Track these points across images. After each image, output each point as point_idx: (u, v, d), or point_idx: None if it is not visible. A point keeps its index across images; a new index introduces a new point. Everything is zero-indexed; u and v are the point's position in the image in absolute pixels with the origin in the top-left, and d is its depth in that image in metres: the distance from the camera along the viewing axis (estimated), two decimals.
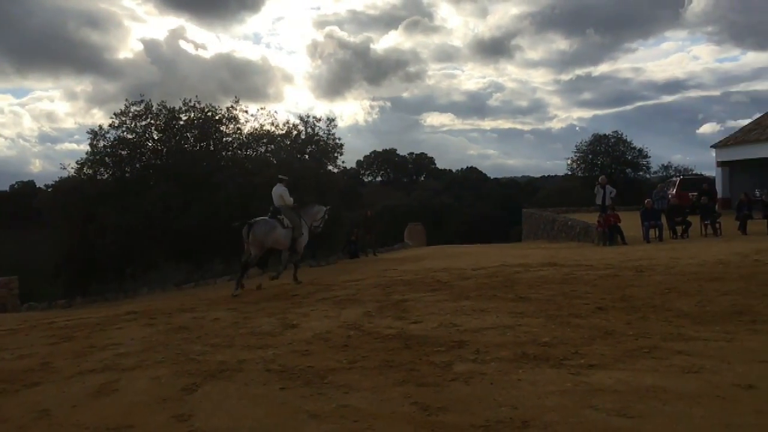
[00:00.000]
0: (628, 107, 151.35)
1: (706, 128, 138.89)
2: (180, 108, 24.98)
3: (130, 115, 24.37)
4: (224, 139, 25.82)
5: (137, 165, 24.80)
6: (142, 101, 24.48)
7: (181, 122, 24.97)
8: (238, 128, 26.11)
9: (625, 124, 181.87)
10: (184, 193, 22.71)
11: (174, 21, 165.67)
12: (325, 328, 6.69)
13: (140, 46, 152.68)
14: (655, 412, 3.69)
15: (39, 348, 6.57)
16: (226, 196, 22.28)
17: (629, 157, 51.25)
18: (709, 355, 4.89)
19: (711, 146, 30.69)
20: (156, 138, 25.05)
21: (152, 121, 24.67)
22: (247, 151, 26.62)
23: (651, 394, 4.01)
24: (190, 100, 25.20)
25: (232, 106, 26.01)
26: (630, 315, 6.61)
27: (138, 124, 24.50)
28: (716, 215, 18.72)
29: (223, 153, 25.79)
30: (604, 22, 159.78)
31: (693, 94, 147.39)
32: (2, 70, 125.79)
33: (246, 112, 26.55)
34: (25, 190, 67.61)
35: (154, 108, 24.59)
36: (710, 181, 27.54)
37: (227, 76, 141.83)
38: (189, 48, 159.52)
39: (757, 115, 31.37)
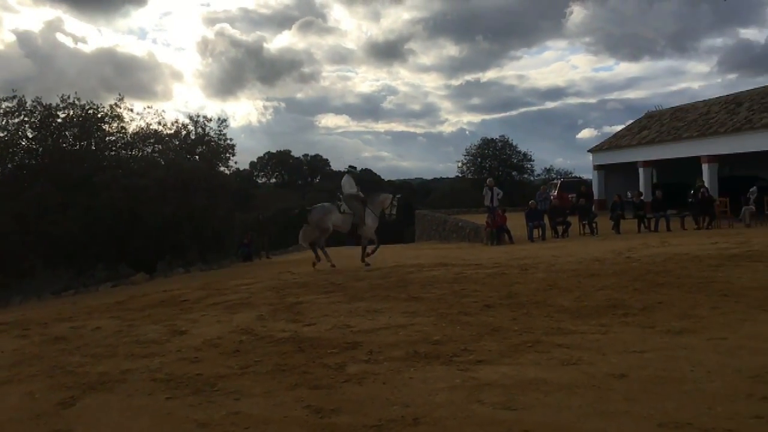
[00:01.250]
0: (514, 113, 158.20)
1: (585, 133, 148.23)
2: (57, 105, 23.46)
3: (1, 111, 22.63)
4: (107, 138, 24.52)
5: (9, 165, 23.07)
6: (14, 97, 22.77)
7: (59, 120, 23.45)
8: (123, 127, 24.89)
9: (511, 128, 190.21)
10: (62, 195, 21.34)
11: (50, 12, 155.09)
12: (215, 334, 6.51)
13: (12, 38, 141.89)
14: (537, 404, 3.88)
15: None
16: (109, 198, 21.15)
17: (515, 161, 53.84)
18: (586, 347, 5.20)
19: (588, 150, 32.70)
20: (30, 136, 23.39)
21: (26, 119, 23.00)
22: (132, 151, 25.43)
23: (533, 386, 4.20)
24: (68, 97, 23.73)
25: (115, 104, 24.78)
26: (515, 311, 6.91)
27: (10, 121, 22.77)
28: (593, 215, 20.03)
29: (106, 153, 24.49)
30: (491, 30, 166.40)
31: (572, 101, 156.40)
32: None
33: (131, 110, 25.39)
34: None
35: (28, 104, 22.94)
36: (588, 183, 29.40)
37: (110, 72, 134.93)
38: (68, 41, 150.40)
39: (629, 122, 33.83)
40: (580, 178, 35.78)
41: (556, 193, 27.41)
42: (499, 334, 5.84)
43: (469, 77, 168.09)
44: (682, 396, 3.86)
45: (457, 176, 57.87)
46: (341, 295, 8.82)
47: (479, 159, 53.64)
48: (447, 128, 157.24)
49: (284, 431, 3.68)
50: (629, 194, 23.58)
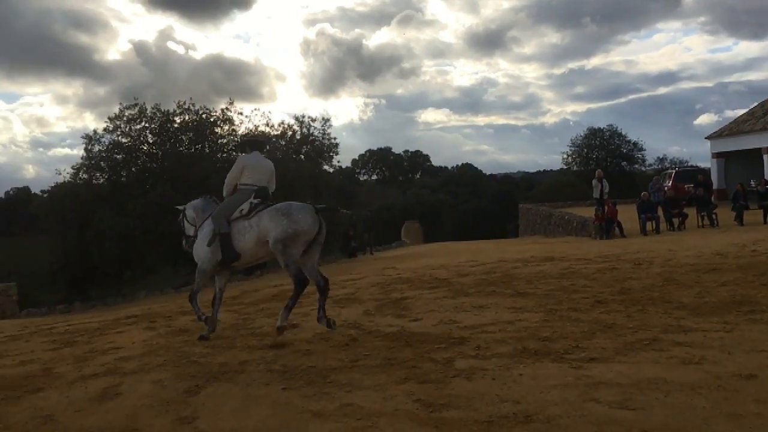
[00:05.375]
0: (622, 100, 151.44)
1: (704, 119, 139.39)
2: (174, 110, 24.98)
3: (125, 119, 24.37)
4: (219, 140, 25.80)
5: (133, 169, 24.78)
6: (136, 105, 24.48)
7: (176, 125, 24.95)
8: (233, 130, 26.10)
9: (619, 117, 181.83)
10: (180, 196, 22.65)
11: (162, 20, 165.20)
12: (325, 328, 6.69)
13: (129, 47, 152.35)
14: (657, 404, 3.71)
15: (40, 354, 6.55)
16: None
17: (624, 150, 51.56)
18: (710, 345, 4.91)
19: (706, 137, 30.79)
20: (151, 141, 25.04)
21: (147, 125, 24.67)
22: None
23: (652, 385, 4.02)
24: (184, 103, 25.21)
25: (226, 108, 26.04)
26: (629, 308, 6.63)
27: (133, 127, 24.51)
28: (712, 206, 18.80)
29: (219, 155, 25.76)
30: (597, 14, 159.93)
31: (686, 85, 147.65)
32: None
33: (240, 113, 26.53)
34: (21, 196, 67.42)
35: (148, 111, 24.58)
36: (706, 172, 27.63)
37: (219, 76, 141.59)
38: (179, 49, 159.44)
39: (753, 105, 31.49)
40: (697, 167, 33.70)
41: (670, 184, 25.99)
42: (612, 331, 5.63)
43: (573, 65, 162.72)
44: None
45: (562, 168, 56.20)
46: (446, 291, 8.80)
47: (585, 150, 51.79)
48: (549, 119, 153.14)
49: (395, 424, 3.74)
50: (753, 183, 21.97)
